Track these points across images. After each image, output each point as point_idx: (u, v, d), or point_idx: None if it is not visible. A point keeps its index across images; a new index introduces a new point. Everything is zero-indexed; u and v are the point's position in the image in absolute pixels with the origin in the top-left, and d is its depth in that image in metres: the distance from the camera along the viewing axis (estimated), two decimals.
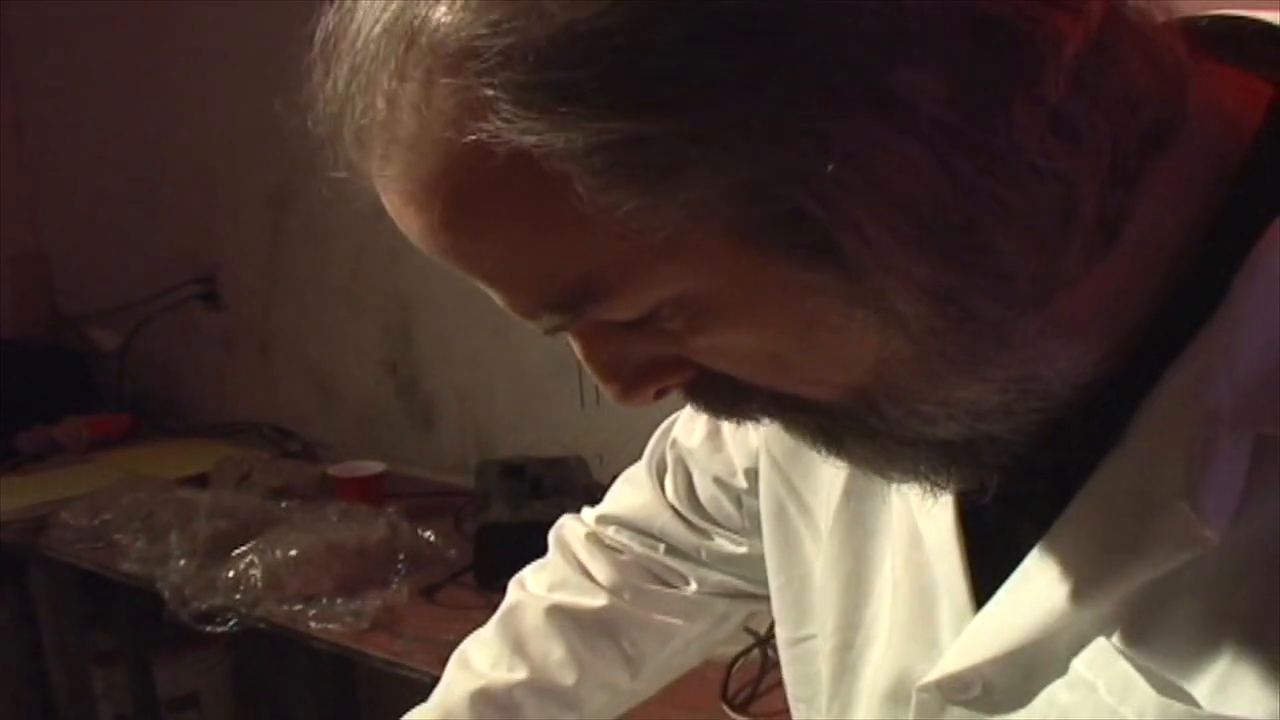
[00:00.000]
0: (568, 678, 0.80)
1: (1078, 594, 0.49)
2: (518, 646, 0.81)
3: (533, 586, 0.86)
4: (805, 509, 0.68)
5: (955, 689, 0.55)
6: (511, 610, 0.84)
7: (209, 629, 1.67)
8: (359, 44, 0.42)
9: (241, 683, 2.55)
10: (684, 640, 0.84)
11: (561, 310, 0.44)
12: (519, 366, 2.10)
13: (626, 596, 0.83)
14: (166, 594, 1.71)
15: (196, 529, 1.81)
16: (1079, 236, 0.42)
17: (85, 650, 2.35)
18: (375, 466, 2.03)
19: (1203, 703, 0.46)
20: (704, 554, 0.83)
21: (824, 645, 0.66)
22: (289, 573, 1.68)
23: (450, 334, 2.20)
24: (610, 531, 0.86)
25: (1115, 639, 0.49)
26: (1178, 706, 0.46)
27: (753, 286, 0.42)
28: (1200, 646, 0.46)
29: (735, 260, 0.41)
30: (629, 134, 0.38)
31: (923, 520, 0.57)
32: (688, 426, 0.82)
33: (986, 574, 0.54)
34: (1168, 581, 0.47)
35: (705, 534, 0.83)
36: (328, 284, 2.37)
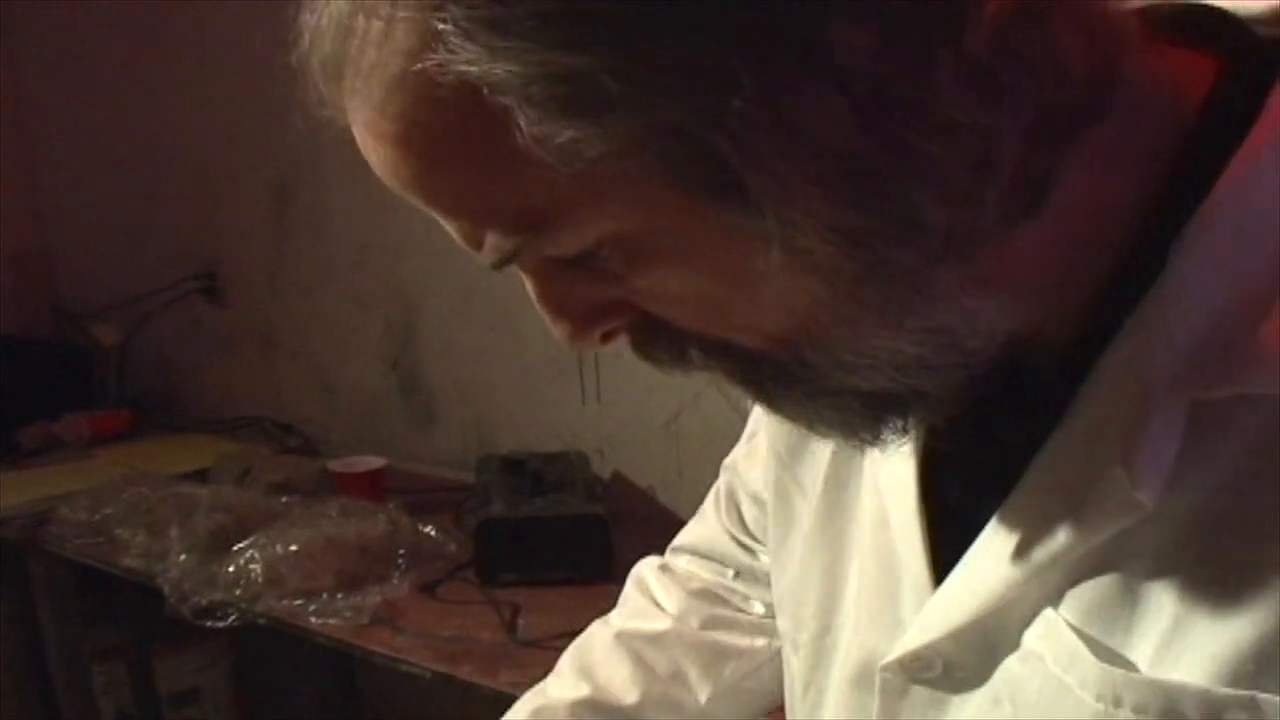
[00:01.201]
0: (630, 696, 0.81)
1: (1026, 566, 0.50)
2: (584, 669, 0.83)
3: (608, 619, 0.88)
4: (806, 500, 0.69)
5: (917, 667, 0.56)
6: (584, 639, 0.87)
7: (209, 624, 1.67)
8: None
9: (242, 678, 2.56)
10: (752, 662, 0.84)
11: (504, 240, 0.46)
12: (520, 362, 2.10)
13: (694, 621, 0.84)
14: (167, 589, 1.70)
15: (197, 524, 1.81)
16: (996, 192, 0.43)
17: (86, 646, 2.35)
18: (376, 462, 2.03)
19: (1143, 667, 0.48)
20: (762, 574, 0.83)
21: (801, 636, 0.67)
22: (289, 568, 1.68)
23: (451, 329, 2.20)
24: (682, 562, 0.89)
25: (1061, 609, 0.50)
26: (1118, 673, 0.48)
27: (681, 227, 0.44)
28: (1140, 613, 0.48)
29: (663, 200, 0.43)
30: (561, 69, 0.40)
31: (889, 502, 0.59)
32: (739, 450, 0.84)
33: (948, 552, 0.55)
34: (1109, 549, 0.48)
35: (754, 553, 0.84)
36: (329, 279, 2.37)
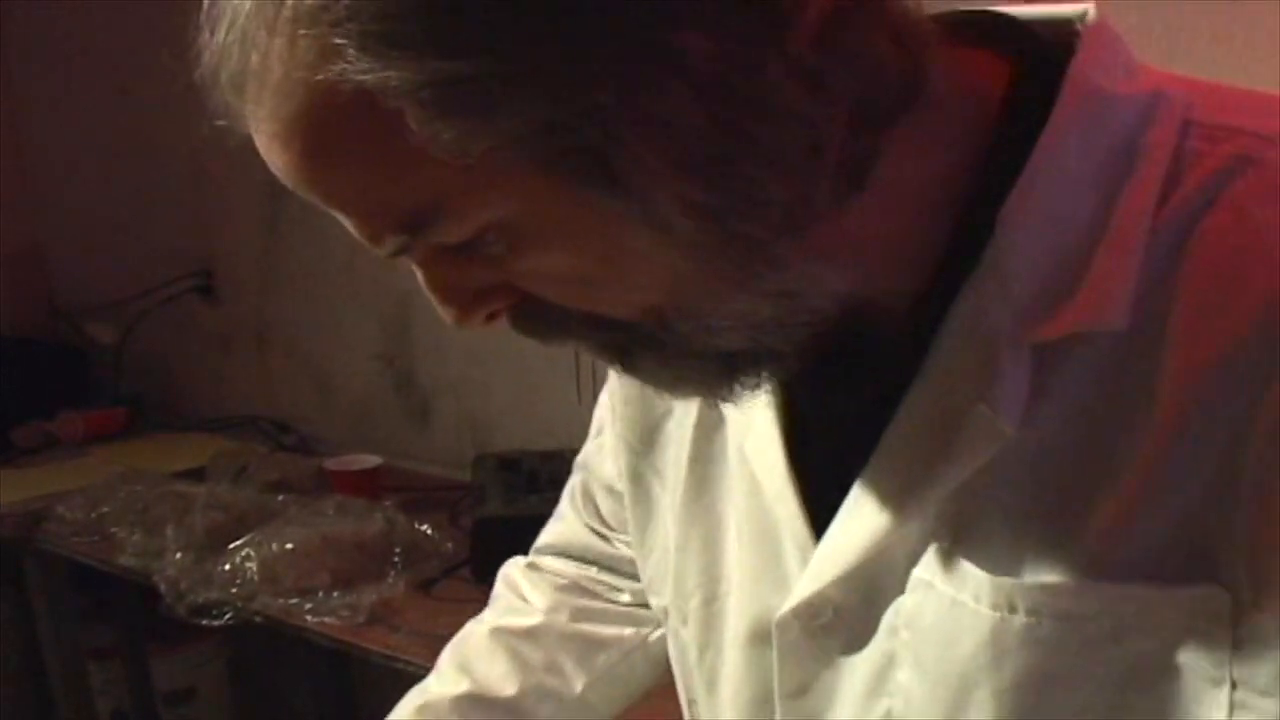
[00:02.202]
0: (508, 689, 0.85)
1: (903, 507, 0.56)
2: (462, 665, 0.87)
3: (482, 618, 0.92)
4: (663, 485, 0.74)
5: (809, 615, 0.61)
6: (460, 638, 0.91)
7: (205, 623, 1.67)
8: (236, 3, 0.49)
9: (238, 676, 2.56)
10: (622, 650, 0.88)
11: (400, 234, 0.51)
12: (515, 360, 2.10)
13: (564, 615, 0.88)
14: (163, 587, 1.70)
15: (193, 522, 1.81)
16: (826, 172, 0.50)
17: (82, 644, 2.35)
18: (372, 460, 2.04)
19: (1025, 577, 0.54)
20: (624, 564, 0.87)
21: (688, 606, 0.71)
22: (285, 566, 1.68)
23: (447, 328, 2.18)
24: (547, 560, 0.93)
25: (945, 540, 0.56)
26: (1008, 581, 0.54)
27: (558, 212, 0.49)
28: (1013, 533, 0.54)
29: (542, 189, 0.48)
30: (448, 74, 0.45)
31: (758, 468, 0.64)
32: (588, 448, 0.88)
33: (822, 509, 0.60)
34: (978, 481, 0.54)
35: (613, 544, 0.88)
36: (324, 278, 2.37)
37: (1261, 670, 0.51)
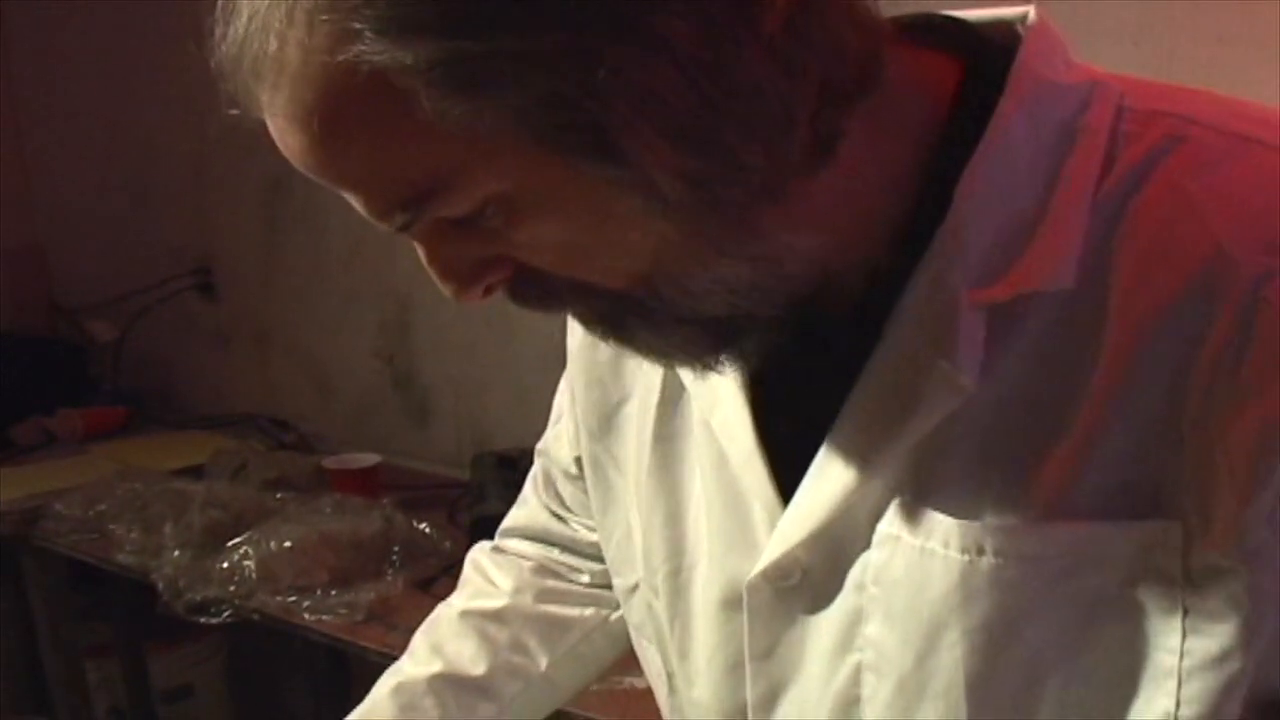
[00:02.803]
0: (478, 668, 0.89)
1: (867, 465, 0.60)
2: (434, 646, 0.91)
3: (450, 601, 0.96)
4: (620, 469, 0.77)
5: (778, 576, 0.64)
6: (431, 621, 0.95)
7: (203, 620, 1.67)
8: None
9: (235, 674, 2.56)
10: (584, 629, 0.93)
11: (408, 208, 0.55)
12: (514, 359, 2.10)
13: (528, 596, 0.93)
14: (161, 585, 1.71)
15: (191, 520, 1.81)
16: (798, 143, 0.55)
17: (79, 642, 2.35)
18: (371, 459, 2.04)
19: (987, 520, 0.58)
20: (584, 546, 0.92)
21: (656, 579, 0.74)
22: (283, 564, 1.68)
23: (446, 326, 2.21)
24: (512, 544, 0.97)
25: (908, 496, 0.60)
26: (975, 525, 0.58)
27: (555, 183, 0.53)
28: (976, 481, 0.58)
29: (542, 161, 0.52)
30: (458, 53, 0.49)
31: (725, 441, 0.67)
32: (548, 435, 0.93)
33: (789, 476, 0.64)
34: (939, 435, 0.58)
35: (572, 526, 0.93)
36: (324, 276, 2.37)
37: (1211, 597, 0.55)
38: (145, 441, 2.42)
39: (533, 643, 0.91)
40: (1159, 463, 0.55)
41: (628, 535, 0.77)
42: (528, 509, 0.97)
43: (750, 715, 0.69)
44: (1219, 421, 0.53)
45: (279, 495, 1.92)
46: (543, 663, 0.91)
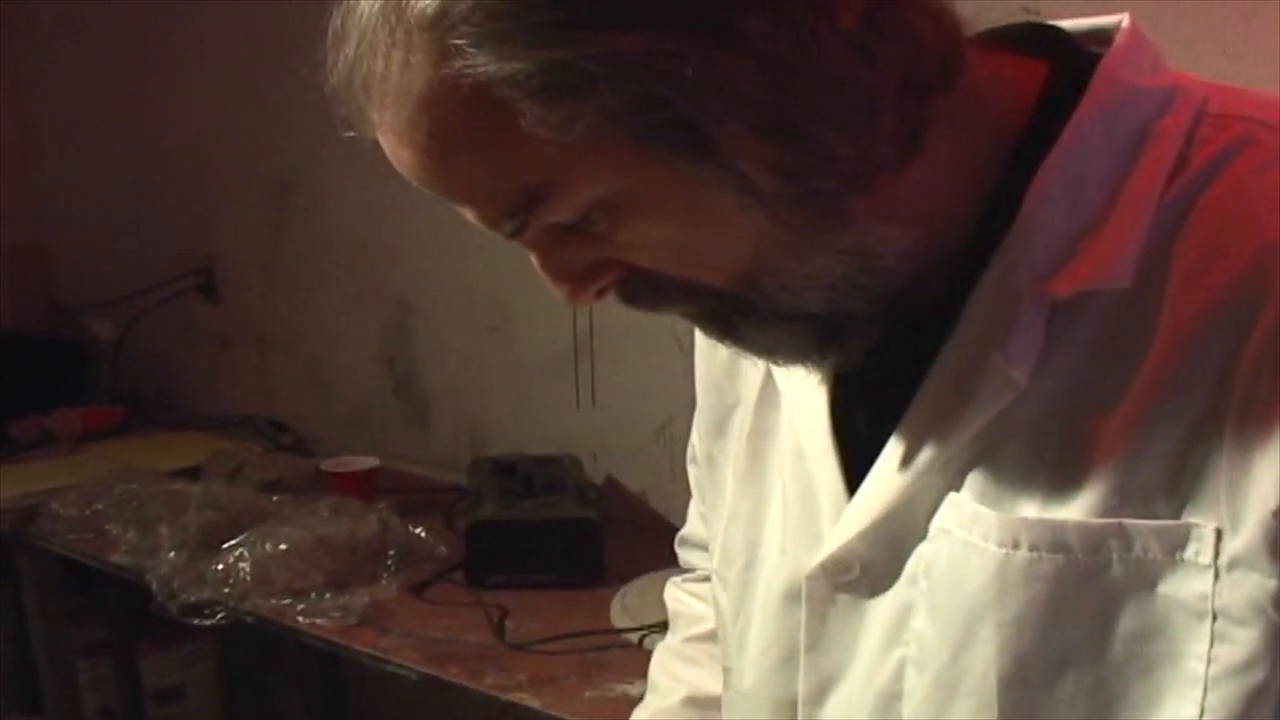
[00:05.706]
0: (718, 686, 0.89)
1: (925, 460, 0.62)
2: (672, 675, 0.95)
3: (667, 642, 1.00)
4: (726, 464, 0.79)
5: (837, 571, 0.66)
6: (657, 661, 0.99)
7: (197, 622, 1.66)
8: (362, 22, 0.56)
9: (228, 676, 2.55)
10: None
11: (516, 216, 0.57)
12: (515, 364, 2.10)
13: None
14: (156, 586, 1.70)
15: (187, 521, 1.80)
16: (884, 133, 0.57)
17: (71, 641, 2.34)
18: (369, 462, 2.03)
19: (1031, 516, 0.59)
20: None
21: (729, 573, 0.76)
22: (278, 567, 1.67)
23: (447, 331, 2.20)
24: (683, 553, 1.01)
25: (960, 489, 0.61)
26: (1014, 518, 0.59)
27: (654, 183, 0.56)
28: (1025, 476, 0.60)
29: (638, 161, 0.55)
30: (554, 61, 0.52)
31: (803, 435, 0.69)
32: (692, 438, 0.92)
33: (861, 470, 0.65)
34: (993, 430, 0.60)
35: None
36: (326, 279, 2.37)
37: (1239, 599, 0.55)
38: (143, 442, 2.42)
39: None
40: (1199, 463, 0.55)
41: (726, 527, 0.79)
42: (691, 516, 0.99)
43: (800, 710, 0.69)
44: (1257, 422, 0.53)
45: (275, 497, 1.91)
46: None
